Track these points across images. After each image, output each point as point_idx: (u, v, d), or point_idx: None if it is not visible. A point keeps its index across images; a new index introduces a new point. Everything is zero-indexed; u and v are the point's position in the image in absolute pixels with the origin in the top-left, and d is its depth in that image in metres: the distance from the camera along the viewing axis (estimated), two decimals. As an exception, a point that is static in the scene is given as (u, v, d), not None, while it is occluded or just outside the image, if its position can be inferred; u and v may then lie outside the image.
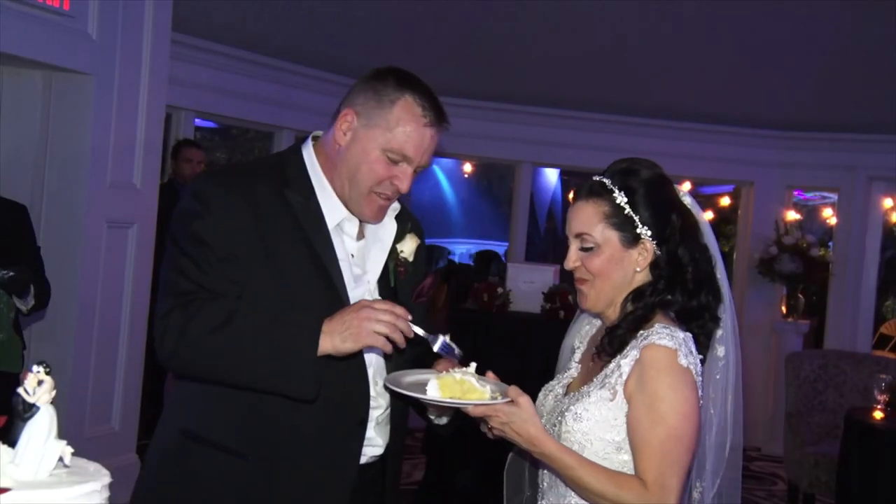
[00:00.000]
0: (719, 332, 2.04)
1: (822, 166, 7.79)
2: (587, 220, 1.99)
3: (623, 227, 1.97)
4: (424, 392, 1.87)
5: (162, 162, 5.42)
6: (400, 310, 1.87)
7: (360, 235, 2.12)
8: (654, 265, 1.98)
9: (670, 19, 6.81)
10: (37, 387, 1.31)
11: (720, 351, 2.04)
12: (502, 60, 7.15)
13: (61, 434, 1.33)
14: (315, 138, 2.16)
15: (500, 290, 5.51)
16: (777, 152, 7.90)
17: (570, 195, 2.12)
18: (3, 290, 3.38)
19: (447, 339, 1.98)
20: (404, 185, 2.03)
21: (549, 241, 13.99)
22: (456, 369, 1.93)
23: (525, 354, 5.16)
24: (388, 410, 2.11)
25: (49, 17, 4.27)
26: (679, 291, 1.96)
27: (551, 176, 13.71)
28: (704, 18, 6.77)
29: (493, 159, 9.05)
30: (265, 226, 1.96)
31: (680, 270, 1.97)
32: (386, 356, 2.03)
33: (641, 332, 1.92)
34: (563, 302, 5.43)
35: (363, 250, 2.11)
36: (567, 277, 5.81)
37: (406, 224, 2.18)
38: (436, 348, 1.97)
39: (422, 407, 2.07)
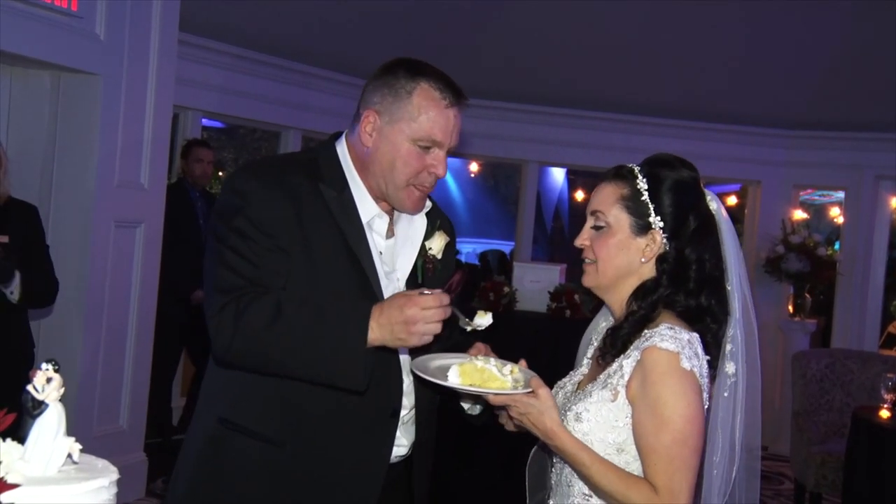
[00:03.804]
0: (729, 347, 2.00)
1: (829, 165, 7.77)
2: (604, 198, 2.00)
3: (636, 213, 1.97)
4: (446, 378, 1.89)
5: (169, 162, 5.44)
6: (445, 299, 1.88)
7: (390, 234, 2.14)
8: (661, 260, 1.97)
9: (677, 18, 6.80)
10: (46, 384, 1.32)
11: (730, 367, 2.00)
12: (508, 60, 7.16)
13: (70, 432, 1.35)
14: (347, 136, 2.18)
15: (506, 289, 5.52)
16: (784, 151, 7.88)
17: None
18: None
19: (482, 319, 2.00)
20: (441, 170, 2.06)
21: (555, 240, 13.98)
22: (479, 357, 1.95)
23: (531, 354, 5.14)
24: (413, 410, 2.14)
25: (57, 17, 4.29)
26: (682, 290, 1.95)
27: (558, 175, 13.69)
28: (711, 17, 6.76)
29: (500, 159, 9.06)
30: (304, 218, 1.99)
31: (684, 268, 1.96)
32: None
33: (646, 331, 1.91)
34: (570, 301, 5.44)
35: (391, 248, 2.14)
36: (573, 278, 5.82)
37: (436, 222, 2.20)
38: (480, 321, 1.99)
39: (455, 395, 2.09)
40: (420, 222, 2.17)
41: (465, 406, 2.16)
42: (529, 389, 1.86)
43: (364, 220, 2.06)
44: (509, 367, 1.94)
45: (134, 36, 4.73)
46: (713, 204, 2.05)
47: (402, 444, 2.12)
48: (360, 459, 2.03)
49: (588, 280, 2.04)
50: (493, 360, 1.93)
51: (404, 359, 2.08)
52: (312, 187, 2.03)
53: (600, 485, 1.85)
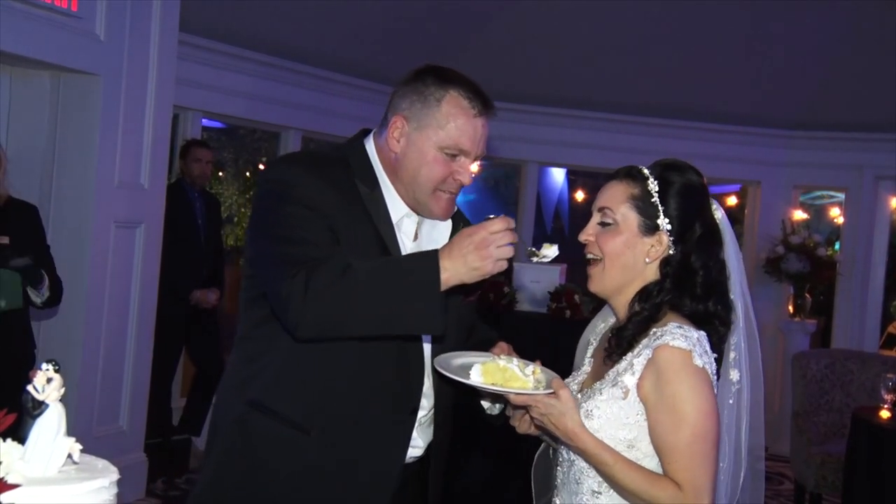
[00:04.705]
0: (732, 355, 2.02)
1: (829, 166, 7.77)
2: (614, 196, 2.01)
3: (645, 213, 1.98)
4: (468, 377, 1.89)
5: (169, 162, 5.44)
6: (512, 222, 1.88)
7: (414, 236, 2.16)
8: (665, 262, 1.99)
9: (676, 18, 6.80)
10: (46, 384, 1.33)
11: (734, 375, 2.02)
12: (508, 60, 7.16)
13: (70, 433, 1.35)
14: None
15: (506, 289, 5.52)
16: (784, 152, 7.88)
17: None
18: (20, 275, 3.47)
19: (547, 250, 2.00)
20: (466, 178, 2.07)
21: (555, 240, 13.92)
22: (501, 356, 1.96)
23: (531, 354, 5.16)
24: (432, 412, 2.15)
25: (57, 17, 4.29)
26: (688, 295, 1.96)
27: (558, 176, 13.68)
28: (711, 17, 6.76)
29: (500, 159, 9.05)
30: (345, 209, 2.00)
31: (689, 274, 1.97)
32: (441, 343, 2.08)
33: (655, 329, 1.92)
34: (570, 302, 5.43)
35: (415, 251, 2.14)
36: (573, 278, 5.81)
37: (458, 225, 2.20)
38: (546, 252, 1.99)
39: (475, 394, 2.09)
40: (444, 226, 2.18)
41: (485, 405, 2.16)
42: (551, 390, 1.87)
43: (393, 219, 2.08)
44: (531, 367, 1.94)
45: (134, 36, 4.73)
46: (718, 213, 2.07)
47: (417, 444, 2.13)
48: (378, 454, 2.05)
49: (594, 285, 2.04)
50: (515, 360, 1.93)
51: (428, 360, 2.09)
52: (350, 182, 2.05)
53: (623, 484, 1.86)
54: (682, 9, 6.70)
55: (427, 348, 2.10)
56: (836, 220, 8.91)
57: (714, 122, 7.68)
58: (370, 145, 2.14)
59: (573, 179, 13.58)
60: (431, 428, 2.17)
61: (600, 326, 2.19)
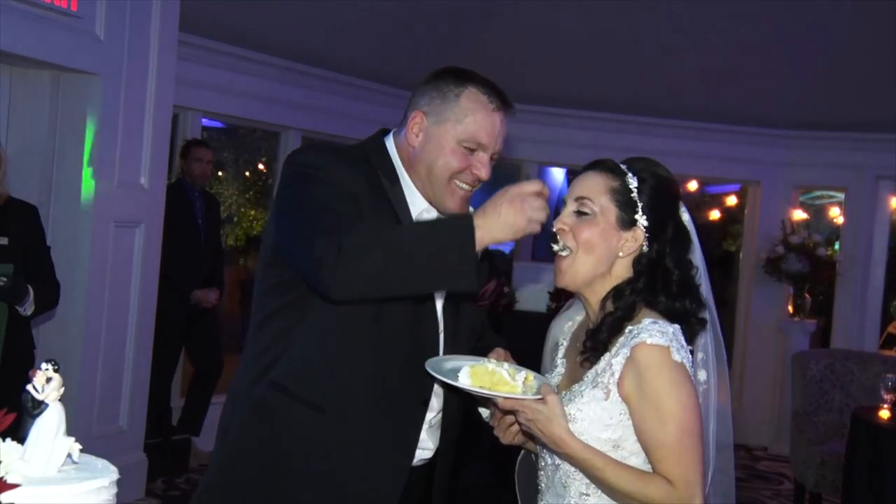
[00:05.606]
0: (700, 355, 2.03)
1: (829, 165, 7.77)
2: (593, 187, 2.00)
3: (624, 207, 1.97)
4: (457, 379, 1.89)
5: (169, 162, 5.44)
6: (546, 186, 1.91)
7: None
8: (637, 260, 1.98)
9: (677, 18, 6.80)
10: (45, 384, 1.33)
11: (701, 375, 2.03)
12: (507, 60, 7.15)
13: (70, 432, 1.35)
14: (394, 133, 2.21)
15: (506, 289, 5.52)
16: (784, 151, 7.88)
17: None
18: None
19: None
20: (484, 173, 2.09)
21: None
22: (491, 360, 1.96)
23: (531, 354, 5.15)
24: (440, 414, 2.16)
25: (56, 17, 4.29)
26: (663, 293, 1.96)
27: (557, 175, 13.69)
28: (710, 17, 6.76)
29: (499, 159, 9.05)
30: (370, 196, 2.01)
31: (664, 272, 1.97)
32: (450, 342, 2.09)
33: (630, 327, 1.91)
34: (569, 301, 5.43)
35: None
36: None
37: None
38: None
39: (473, 399, 2.10)
40: None
41: (483, 413, 2.16)
42: (539, 395, 1.86)
43: (413, 214, 2.09)
44: (524, 373, 1.94)
45: (134, 36, 4.73)
46: (685, 215, 2.06)
47: (427, 447, 2.14)
48: (389, 441, 2.06)
49: (563, 278, 2.01)
50: (506, 365, 1.93)
51: (441, 354, 2.10)
52: (373, 173, 2.06)
53: (616, 486, 1.85)
54: (682, 9, 6.70)
55: (442, 343, 2.11)
56: (835, 220, 8.91)
57: (714, 122, 7.67)
58: (390, 143, 2.16)
59: (572, 179, 13.59)
60: (440, 431, 2.17)
61: (567, 325, 2.18)
